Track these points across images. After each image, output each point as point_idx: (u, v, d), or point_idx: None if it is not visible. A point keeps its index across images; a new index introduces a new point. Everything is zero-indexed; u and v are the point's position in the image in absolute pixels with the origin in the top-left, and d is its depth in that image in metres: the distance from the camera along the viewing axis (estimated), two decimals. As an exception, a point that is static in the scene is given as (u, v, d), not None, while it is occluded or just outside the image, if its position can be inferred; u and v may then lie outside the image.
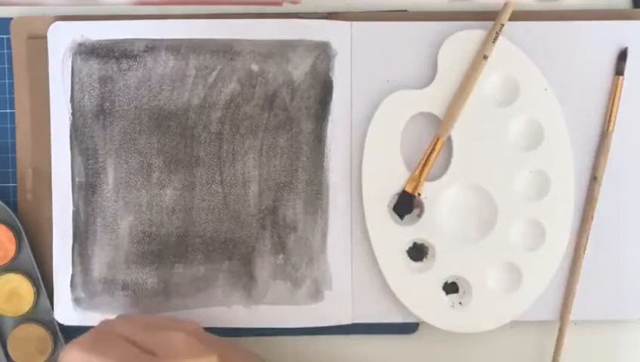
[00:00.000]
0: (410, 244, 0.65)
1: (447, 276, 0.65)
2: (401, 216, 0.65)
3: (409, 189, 0.65)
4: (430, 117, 0.65)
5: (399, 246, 0.65)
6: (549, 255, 0.65)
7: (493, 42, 0.64)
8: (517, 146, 0.65)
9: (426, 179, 0.65)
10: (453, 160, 0.65)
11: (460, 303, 0.65)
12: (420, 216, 0.65)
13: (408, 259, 0.65)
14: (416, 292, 0.65)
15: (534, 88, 0.65)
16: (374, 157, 0.65)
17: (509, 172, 0.65)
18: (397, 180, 0.65)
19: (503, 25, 0.64)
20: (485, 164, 0.65)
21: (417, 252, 0.66)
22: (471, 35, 0.65)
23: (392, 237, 0.65)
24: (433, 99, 0.65)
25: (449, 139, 0.65)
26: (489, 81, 0.65)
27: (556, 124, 0.65)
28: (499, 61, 0.64)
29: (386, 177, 0.65)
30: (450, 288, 0.65)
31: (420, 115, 0.65)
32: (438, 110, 0.65)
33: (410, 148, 0.66)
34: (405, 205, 0.65)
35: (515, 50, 0.65)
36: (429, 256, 0.66)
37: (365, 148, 0.65)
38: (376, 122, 0.65)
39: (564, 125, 0.65)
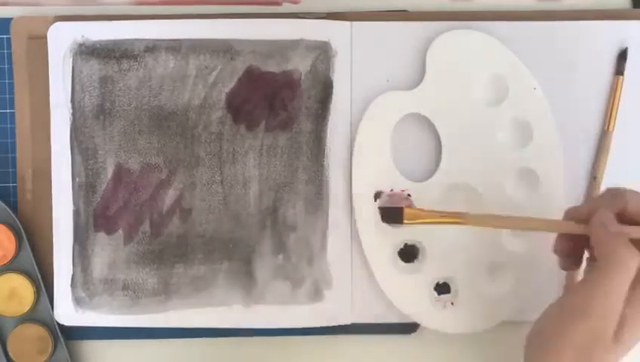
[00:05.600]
0: (401, 245, 0.65)
1: (439, 276, 0.65)
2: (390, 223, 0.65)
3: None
4: (419, 118, 0.65)
5: (390, 248, 0.65)
6: (539, 254, 0.65)
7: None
8: (506, 145, 0.65)
9: (416, 180, 0.65)
10: (443, 160, 0.65)
11: (452, 303, 0.65)
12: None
13: (399, 260, 0.65)
14: (408, 293, 0.65)
15: (523, 88, 0.65)
16: (364, 158, 0.65)
17: (499, 171, 0.65)
18: (387, 181, 0.65)
19: None
20: (475, 164, 0.65)
21: (408, 253, 0.66)
22: (458, 36, 0.65)
23: (383, 238, 0.65)
24: (422, 99, 0.65)
25: (438, 139, 0.65)
26: (478, 81, 0.65)
27: (545, 123, 0.65)
28: (488, 61, 0.65)
29: (375, 178, 0.65)
30: (442, 288, 0.65)
31: (410, 115, 0.65)
32: (426, 111, 0.65)
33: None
34: (394, 215, 0.64)
35: (504, 50, 0.64)
36: (419, 256, 0.65)
37: (355, 149, 0.65)
38: (366, 123, 0.65)
39: (553, 123, 0.65)
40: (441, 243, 0.65)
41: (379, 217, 0.65)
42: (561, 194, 0.65)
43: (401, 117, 0.65)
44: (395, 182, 0.65)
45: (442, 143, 0.65)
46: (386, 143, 0.65)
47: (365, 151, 0.65)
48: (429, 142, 0.66)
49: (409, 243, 0.65)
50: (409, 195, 0.65)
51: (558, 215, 0.61)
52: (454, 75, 0.65)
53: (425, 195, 0.65)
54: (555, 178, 0.65)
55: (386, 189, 0.65)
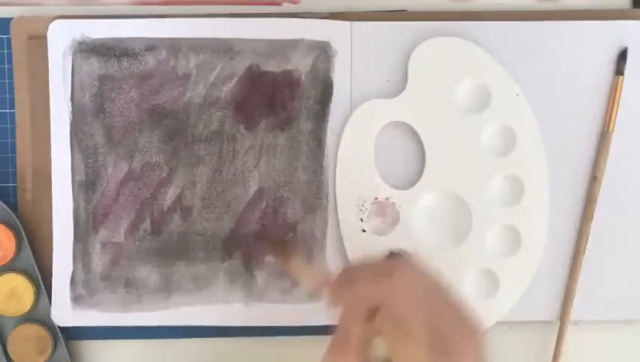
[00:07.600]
0: (387, 253, 0.65)
1: None
2: None
3: None
4: (403, 125, 0.65)
5: (375, 255, 0.65)
6: (525, 260, 0.65)
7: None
8: (490, 152, 0.65)
9: (400, 188, 0.65)
10: (427, 167, 0.65)
11: None
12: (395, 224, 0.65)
13: None
14: None
15: (506, 94, 0.65)
16: (348, 167, 0.65)
17: (483, 178, 0.65)
18: (371, 189, 0.65)
19: None
20: (459, 171, 0.65)
21: None
22: (441, 43, 0.65)
23: (368, 245, 0.65)
24: (405, 107, 0.65)
25: (421, 147, 0.65)
26: (461, 88, 0.65)
27: (528, 129, 0.65)
28: (470, 68, 0.65)
29: (360, 186, 0.65)
30: None
31: (392, 123, 0.65)
32: (409, 119, 0.65)
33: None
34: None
35: (486, 56, 0.65)
36: None
37: (339, 157, 0.65)
38: (349, 132, 0.65)
39: (537, 130, 0.65)
40: (427, 251, 0.64)
41: (364, 225, 0.65)
42: (546, 199, 0.65)
43: (383, 125, 0.65)
44: (378, 191, 0.65)
45: (425, 150, 0.65)
46: (369, 152, 0.65)
47: (349, 161, 0.65)
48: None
49: (394, 251, 0.65)
50: (393, 203, 0.65)
51: (544, 219, 0.64)
52: (436, 83, 0.65)
53: (410, 203, 0.65)
54: (540, 183, 0.65)
55: (371, 198, 0.65)
